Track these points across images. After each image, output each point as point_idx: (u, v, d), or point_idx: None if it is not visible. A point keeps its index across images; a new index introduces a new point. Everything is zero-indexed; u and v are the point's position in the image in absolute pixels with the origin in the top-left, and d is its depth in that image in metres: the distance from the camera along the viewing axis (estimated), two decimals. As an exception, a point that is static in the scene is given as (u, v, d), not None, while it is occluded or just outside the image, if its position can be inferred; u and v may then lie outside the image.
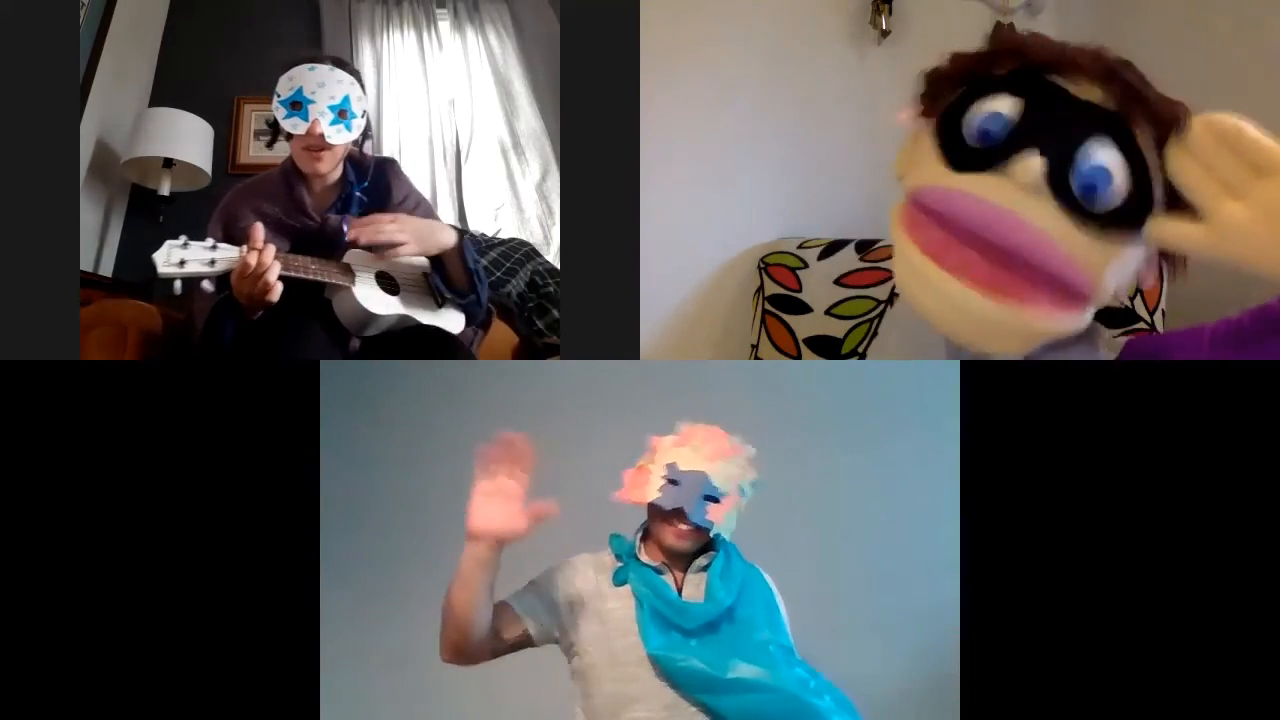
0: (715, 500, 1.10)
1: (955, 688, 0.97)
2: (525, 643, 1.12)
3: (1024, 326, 0.88)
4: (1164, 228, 0.84)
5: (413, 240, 1.58)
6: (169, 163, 2.49)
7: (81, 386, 1.00)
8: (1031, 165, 0.84)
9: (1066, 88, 0.88)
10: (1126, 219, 0.86)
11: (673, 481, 1.10)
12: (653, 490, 1.11)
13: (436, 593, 1.05)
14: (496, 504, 1.02)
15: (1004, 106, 0.88)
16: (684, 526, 1.11)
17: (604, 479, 1.17)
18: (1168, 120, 0.85)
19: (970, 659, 0.97)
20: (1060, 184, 0.85)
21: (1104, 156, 0.85)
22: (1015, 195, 0.85)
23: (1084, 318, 0.92)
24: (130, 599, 0.97)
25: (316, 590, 1.00)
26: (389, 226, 1.56)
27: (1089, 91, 0.88)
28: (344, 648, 1.21)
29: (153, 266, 1.35)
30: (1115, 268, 0.89)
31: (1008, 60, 0.91)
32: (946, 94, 0.95)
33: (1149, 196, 0.86)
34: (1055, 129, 0.86)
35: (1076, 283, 0.88)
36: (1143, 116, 0.87)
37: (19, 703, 0.95)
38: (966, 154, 0.89)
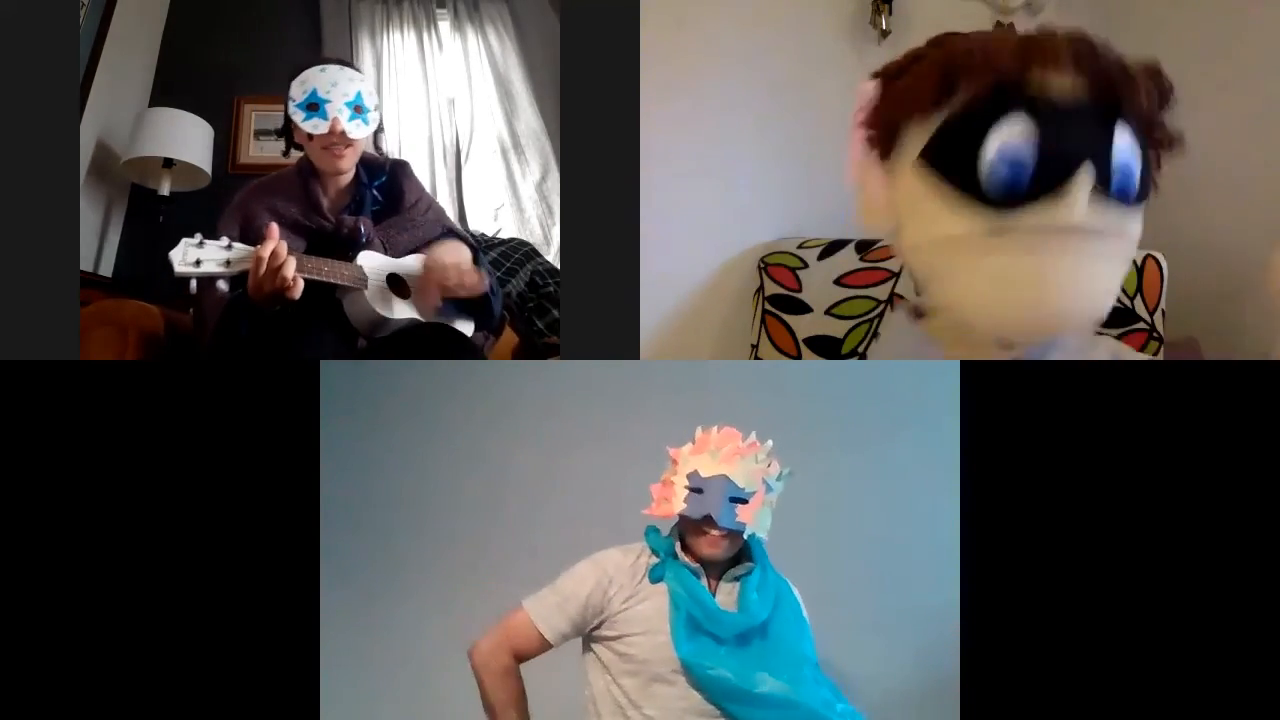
0: (743, 501, 1.08)
1: (955, 688, 0.97)
2: (545, 649, 1.12)
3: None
4: None
5: (459, 288, 1.62)
6: (169, 163, 2.49)
7: (81, 386, 1.00)
8: (1080, 201, 0.83)
9: (1051, 95, 0.86)
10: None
11: (696, 490, 1.09)
12: (679, 502, 1.09)
13: (436, 593, 1.05)
14: None
15: (1018, 140, 0.85)
16: (716, 533, 1.09)
17: (604, 478, 1.17)
18: (1142, 94, 0.87)
19: (970, 659, 0.97)
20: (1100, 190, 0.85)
21: (1126, 153, 0.86)
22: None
23: None
24: (131, 599, 0.97)
25: (316, 590, 1.00)
26: (453, 282, 1.60)
27: (1065, 83, 0.86)
28: (344, 648, 1.21)
29: (158, 264, 1.34)
30: None
31: (976, 80, 0.88)
32: (906, 127, 0.94)
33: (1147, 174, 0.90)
34: (1072, 147, 0.85)
35: None
36: (1129, 99, 0.87)
37: (19, 702, 0.95)
38: (973, 183, 0.87)
